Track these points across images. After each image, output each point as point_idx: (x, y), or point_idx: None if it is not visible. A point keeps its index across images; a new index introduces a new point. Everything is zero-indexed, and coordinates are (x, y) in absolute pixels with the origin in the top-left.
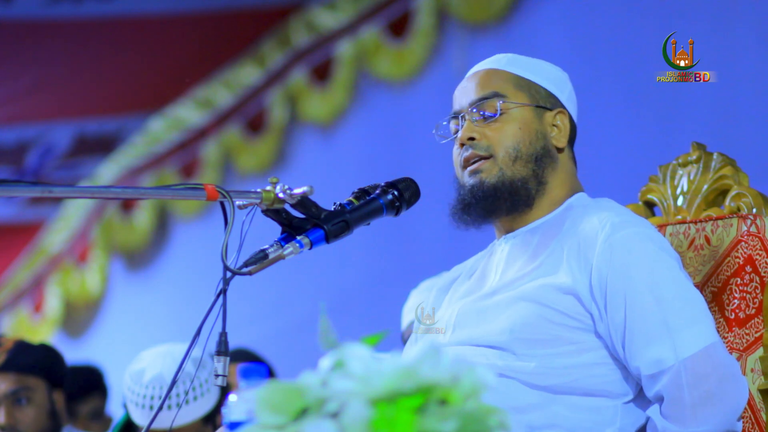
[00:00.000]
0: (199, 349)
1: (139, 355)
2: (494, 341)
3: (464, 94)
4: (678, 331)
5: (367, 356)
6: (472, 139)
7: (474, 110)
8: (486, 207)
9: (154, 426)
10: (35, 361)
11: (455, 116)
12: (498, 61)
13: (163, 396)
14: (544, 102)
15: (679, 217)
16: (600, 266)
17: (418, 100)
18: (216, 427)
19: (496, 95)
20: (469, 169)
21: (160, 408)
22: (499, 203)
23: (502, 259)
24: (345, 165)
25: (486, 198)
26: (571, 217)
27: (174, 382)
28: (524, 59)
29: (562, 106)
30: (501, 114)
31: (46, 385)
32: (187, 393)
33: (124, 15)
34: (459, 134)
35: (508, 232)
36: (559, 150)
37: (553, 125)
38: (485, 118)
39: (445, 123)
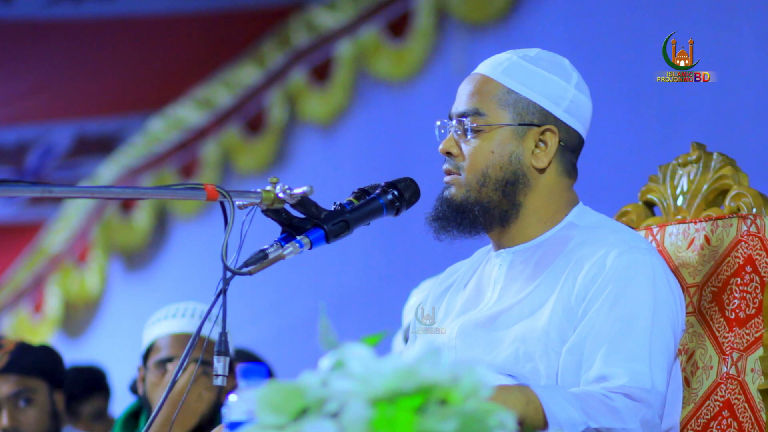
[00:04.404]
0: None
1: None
2: (501, 368)
3: (459, 97)
4: (657, 363)
5: (367, 356)
6: (449, 153)
7: (456, 122)
8: (455, 222)
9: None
10: (36, 363)
11: (450, 117)
12: (497, 65)
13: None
14: (531, 119)
15: (679, 217)
16: (597, 275)
17: (418, 100)
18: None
19: (476, 113)
20: (445, 180)
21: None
22: (467, 221)
23: (501, 275)
24: (345, 165)
25: (453, 214)
26: (576, 238)
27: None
28: (525, 66)
29: (555, 122)
30: (477, 133)
31: (47, 386)
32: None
33: (124, 15)
34: (440, 145)
35: (500, 245)
36: (540, 170)
37: (539, 142)
38: (464, 133)
39: (440, 123)
